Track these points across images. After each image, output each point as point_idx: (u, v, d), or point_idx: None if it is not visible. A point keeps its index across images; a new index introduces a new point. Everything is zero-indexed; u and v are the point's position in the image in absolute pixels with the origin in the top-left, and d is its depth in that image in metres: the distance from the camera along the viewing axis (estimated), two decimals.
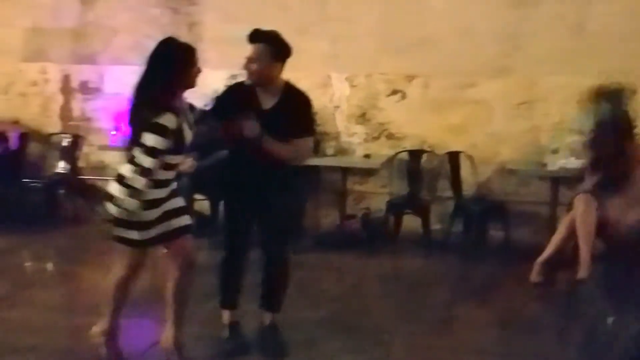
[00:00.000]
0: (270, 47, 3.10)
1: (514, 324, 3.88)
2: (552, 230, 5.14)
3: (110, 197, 2.89)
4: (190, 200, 5.28)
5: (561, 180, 5.25)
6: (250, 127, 2.99)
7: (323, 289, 4.42)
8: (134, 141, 2.84)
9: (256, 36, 3.11)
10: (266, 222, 3.29)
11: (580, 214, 4.29)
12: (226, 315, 3.40)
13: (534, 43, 5.41)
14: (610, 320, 3.79)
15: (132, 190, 2.83)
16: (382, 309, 4.09)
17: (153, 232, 2.93)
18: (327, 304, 4.06)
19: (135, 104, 2.87)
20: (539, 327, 3.90)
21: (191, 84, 2.95)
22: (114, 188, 2.90)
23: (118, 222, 2.91)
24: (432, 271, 5.07)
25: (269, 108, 3.09)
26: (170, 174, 2.95)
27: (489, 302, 4.28)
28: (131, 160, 2.87)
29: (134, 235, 2.92)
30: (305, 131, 3.19)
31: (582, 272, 4.17)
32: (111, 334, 3.12)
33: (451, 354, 3.39)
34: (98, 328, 3.13)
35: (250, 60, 3.07)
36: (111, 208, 2.89)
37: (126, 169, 2.89)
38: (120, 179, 2.89)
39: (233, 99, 3.21)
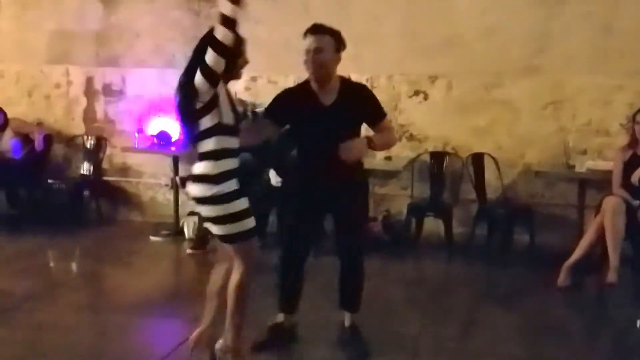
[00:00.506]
0: (334, 38, 3.17)
1: (541, 329, 3.79)
2: (579, 233, 5.04)
3: (204, 200, 2.74)
4: None
5: (588, 183, 5.13)
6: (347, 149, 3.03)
7: None
8: (195, 137, 2.75)
9: (319, 28, 3.18)
10: (342, 223, 3.31)
11: (609, 217, 4.19)
12: (281, 318, 3.44)
13: (561, 43, 5.29)
14: (639, 324, 3.69)
15: (221, 179, 2.71)
16: (407, 313, 4.03)
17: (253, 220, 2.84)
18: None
19: (182, 97, 2.79)
20: (566, 332, 3.81)
21: (237, 75, 2.92)
22: (201, 189, 2.73)
23: (223, 219, 2.74)
24: (455, 275, 4.99)
25: (330, 104, 3.12)
26: None
27: (514, 307, 4.18)
28: (205, 155, 2.74)
29: (249, 223, 2.79)
30: (382, 115, 3.31)
31: (612, 276, 4.08)
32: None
33: None
34: (224, 342, 2.97)
35: (316, 51, 3.09)
36: (210, 210, 2.75)
37: (204, 166, 2.74)
38: (204, 178, 2.73)
39: (292, 98, 3.20)
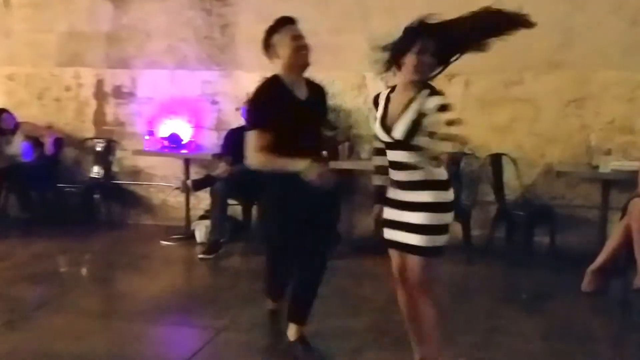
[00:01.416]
0: None
1: (566, 336, 3.63)
2: (602, 236, 4.87)
3: (427, 206, 2.61)
4: (224, 205, 5.19)
5: (612, 183, 4.94)
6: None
7: (364, 297, 4.27)
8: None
9: (292, 19, 3.10)
10: (314, 231, 3.15)
11: (636, 219, 4.02)
12: (270, 305, 3.48)
13: (586, 37, 5.09)
14: None
15: (449, 186, 2.68)
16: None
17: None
18: (369, 312, 3.93)
19: None
20: (592, 339, 3.64)
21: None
22: (432, 195, 2.62)
23: (432, 229, 2.62)
24: (475, 279, 4.84)
25: (305, 99, 3.05)
26: None
27: (538, 313, 4.03)
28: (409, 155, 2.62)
29: (444, 239, 2.66)
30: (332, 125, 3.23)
31: (639, 281, 3.90)
32: None
33: None
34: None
35: (303, 38, 3.05)
36: (424, 218, 2.60)
37: (437, 171, 2.65)
38: (437, 184, 2.65)
39: (269, 98, 3.03)
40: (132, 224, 6.32)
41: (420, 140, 2.55)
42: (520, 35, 5.24)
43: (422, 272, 2.65)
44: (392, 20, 5.45)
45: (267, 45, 3.05)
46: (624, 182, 4.88)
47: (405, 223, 2.63)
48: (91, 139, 6.36)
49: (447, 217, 2.65)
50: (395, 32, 5.69)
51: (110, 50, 6.24)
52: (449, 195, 2.66)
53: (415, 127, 2.54)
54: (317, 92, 3.15)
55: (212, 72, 6.05)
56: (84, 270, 5.11)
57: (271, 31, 3.04)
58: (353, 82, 5.70)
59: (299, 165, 2.80)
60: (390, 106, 2.70)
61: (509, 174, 5.32)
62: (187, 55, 6.09)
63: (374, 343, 3.43)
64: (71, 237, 5.66)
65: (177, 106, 6.11)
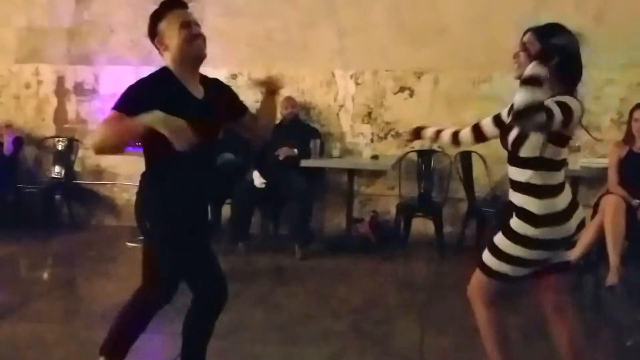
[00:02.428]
0: None
1: (543, 332, 3.64)
2: None
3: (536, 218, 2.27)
4: None
5: (581, 180, 5.01)
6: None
7: (341, 297, 4.18)
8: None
9: (182, 2, 2.49)
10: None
11: (609, 216, 4.07)
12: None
13: None
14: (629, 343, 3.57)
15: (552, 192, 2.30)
16: (406, 319, 3.80)
17: None
18: (349, 313, 3.83)
19: None
20: None
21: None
22: (532, 203, 2.28)
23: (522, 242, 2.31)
24: (450, 276, 4.81)
25: (202, 97, 2.46)
26: None
27: (515, 310, 4.02)
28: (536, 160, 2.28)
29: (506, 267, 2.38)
30: (245, 106, 2.69)
31: (612, 276, 3.96)
32: None
33: None
34: None
35: (196, 24, 2.46)
36: (526, 229, 2.28)
37: (533, 174, 2.28)
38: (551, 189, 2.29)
39: (156, 91, 2.36)
40: (95, 225, 6.14)
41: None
42: (488, 34, 5.34)
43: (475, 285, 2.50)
44: (361, 16, 5.50)
45: (153, 34, 2.49)
46: (592, 179, 4.96)
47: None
48: (52, 137, 6.15)
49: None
50: (363, 27, 5.68)
51: (71, 46, 6.03)
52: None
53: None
54: (215, 88, 2.55)
55: None
56: (46, 275, 4.92)
57: (156, 17, 2.46)
58: (322, 79, 5.65)
59: (146, 118, 2.17)
60: None
61: (478, 171, 5.34)
62: (152, 50, 5.88)
63: (356, 345, 3.34)
64: (32, 240, 5.45)
65: None
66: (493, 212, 5.15)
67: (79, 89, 6.10)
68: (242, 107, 2.69)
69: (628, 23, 5.06)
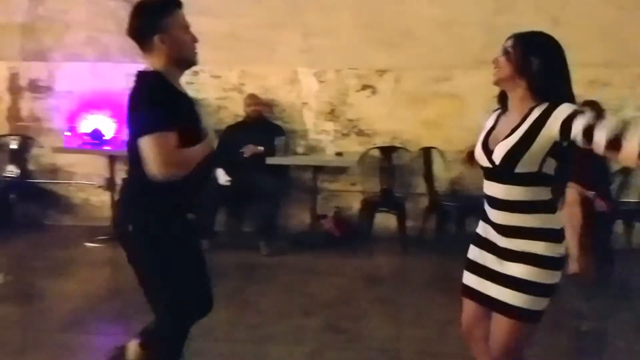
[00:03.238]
0: None
1: None
2: None
3: (540, 260, 2.05)
4: None
5: None
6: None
7: (312, 294, 4.21)
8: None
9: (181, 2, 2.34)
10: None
11: (567, 208, 4.24)
12: None
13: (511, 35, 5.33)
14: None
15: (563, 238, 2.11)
16: (379, 313, 3.88)
17: None
18: (321, 310, 3.87)
19: None
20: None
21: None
22: (545, 247, 2.05)
23: (539, 289, 2.07)
24: (416, 270, 4.95)
25: (192, 99, 2.43)
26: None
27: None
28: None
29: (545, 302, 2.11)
30: None
31: (572, 265, 4.13)
32: None
33: None
34: None
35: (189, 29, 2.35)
36: (533, 274, 2.05)
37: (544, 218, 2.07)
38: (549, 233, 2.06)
39: (170, 98, 2.26)
40: (51, 225, 5.97)
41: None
42: (449, 34, 5.47)
43: (511, 338, 2.11)
44: (326, 16, 5.54)
45: (148, 31, 2.27)
46: None
47: (505, 275, 2.09)
48: (5, 135, 5.94)
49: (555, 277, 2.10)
50: (328, 26, 5.72)
51: (25, 42, 5.83)
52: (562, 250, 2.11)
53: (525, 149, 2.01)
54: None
55: (137, 65, 5.76)
56: (1, 278, 4.76)
57: (161, 11, 2.27)
58: (286, 77, 5.66)
59: (202, 152, 2.25)
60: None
61: (438, 167, 5.47)
62: (109, 47, 5.81)
63: (333, 342, 3.37)
64: None
65: (99, 100, 5.82)
66: (453, 206, 5.30)
67: (33, 85, 5.92)
68: None
69: (583, 24, 5.28)
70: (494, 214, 2.11)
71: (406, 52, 5.43)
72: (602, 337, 3.63)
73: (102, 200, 5.94)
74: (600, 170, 4.51)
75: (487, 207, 2.15)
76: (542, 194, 2.06)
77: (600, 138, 1.76)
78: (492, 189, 2.12)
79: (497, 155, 2.07)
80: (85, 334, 3.53)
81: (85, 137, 5.65)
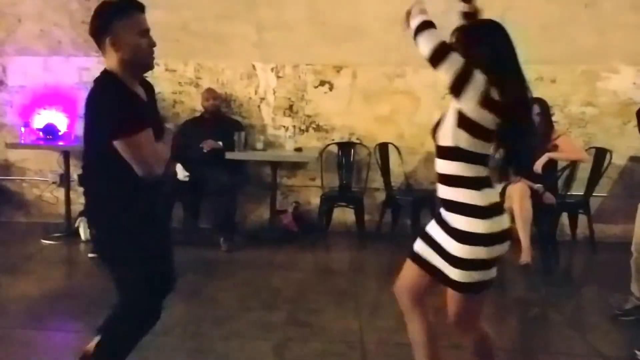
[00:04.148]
0: None
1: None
2: None
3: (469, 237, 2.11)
4: None
5: None
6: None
7: (275, 288, 4.27)
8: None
9: (143, 5, 2.36)
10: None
11: (517, 202, 4.44)
12: None
13: None
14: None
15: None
16: (340, 305, 3.95)
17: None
18: (285, 304, 3.93)
19: None
20: (485, 313, 3.91)
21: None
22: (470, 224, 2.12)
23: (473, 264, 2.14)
24: (372, 263, 5.07)
25: (146, 99, 2.43)
26: None
27: (441, 293, 4.25)
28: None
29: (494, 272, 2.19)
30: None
31: (525, 256, 4.33)
32: None
33: None
34: None
35: (149, 32, 2.35)
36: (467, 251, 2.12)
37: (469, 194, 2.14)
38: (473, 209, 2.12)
39: (130, 98, 2.30)
40: (4, 222, 5.84)
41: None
42: (401, 33, 5.55)
43: (458, 307, 2.24)
44: (279, 9, 5.57)
45: (103, 31, 2.26)
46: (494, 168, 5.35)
47: (442, 248, 2.20)
48: None
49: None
50: (282, 21, 5.76)
51: None
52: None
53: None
54: (149, 90, 2.51)
55: (90, 59, 5.70)
56: None
57: (112, 14, 2.28)
58: (242, 71, 5.68)
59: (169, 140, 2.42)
60: None
61: (393, 162, 5.61)
62: (61, 40, 5.71)
63: (298, 335, 3.43)
64: None
65: (53, 95, 5.72)
66: (409, 201, 5.45)
67: None
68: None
69: (527, 23, 5.47)
70: (438, 188, 2.25)
71: (361, 50, 5.53)
72: (548, 323, 3.83)
73: (55, 197, 5.87)
74: (549, 165, 4.72)
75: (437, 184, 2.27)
76: (466, 170, 2.13)
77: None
78: (437, 164, 2.24)
79: (439, 132, 2.22)
80: (45, 330, 3.52)
81: (38, 133, 5.55)
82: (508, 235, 2.18)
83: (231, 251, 5.03)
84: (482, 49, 2.18)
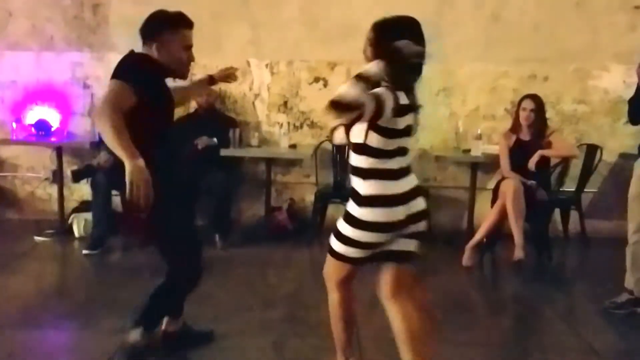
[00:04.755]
0: None
1: (466, 308, 3.98)
2: (471, 213, 5.37)
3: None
4: (107, 197, 4.96)
5: (478, 166, 5.41)
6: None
7: (271, 285, 4.28)
8: None
9: (190, 22, 2.76)
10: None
11: (511, 198, 4.48)
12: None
13: (453, 31, 5.50)
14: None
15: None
16: None
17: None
18: (282, 301, 3.93)
19: None
20: (470, 307, 4.06)
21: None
22: (359, 184, 2.40)
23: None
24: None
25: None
26: None
27: (433, 289, 4.30)
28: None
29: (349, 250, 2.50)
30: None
31: (518, 252, 4.39)
32: None
33: None
34: None
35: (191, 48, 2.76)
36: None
37: (360, 158, 2.39)
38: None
39: (152, 66, 2.67)
40: None
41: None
42: None
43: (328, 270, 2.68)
44: (274, 6, 5.57)
45: (152, 35, 2.64)
46: (488, 165, 5.40)
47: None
48: None
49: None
50: (276, 18, 5.76)
51: None
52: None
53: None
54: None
55: (82, 54, 5.69)
56: None
57: (166, 24, 2.66)
58: (237, 67, 5.60)
59: (129, 160, 2.35)
60: None
61: None
62: (53, 36, 5.67)
63: (294, 333, 3.44)
64: None
65: (44, 91, 5.68)
66: None
67: None
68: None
69: (520, 21, 5.53)
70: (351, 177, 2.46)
71: (355, 47, 5.45)
72: (543, 319, 3.87)
73: (48, 193, 5.84)
74: (541, 162, 4.77)
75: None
76: (370, 163, 2.35)
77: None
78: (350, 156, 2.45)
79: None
80: (39, 329, 3.50)
81: (30, 129, 5.52)
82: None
83: (226, 249, 5.03)
84: (389, 43, 2.35)
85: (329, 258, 2.59)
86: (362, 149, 2.36)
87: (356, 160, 2.39)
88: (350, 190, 2.45)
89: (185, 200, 2.82)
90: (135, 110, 2.45)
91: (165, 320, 3.07)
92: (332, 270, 2.62)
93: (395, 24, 2.49)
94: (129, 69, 2.54)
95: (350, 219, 2.39)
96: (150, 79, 2.57)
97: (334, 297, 2.68)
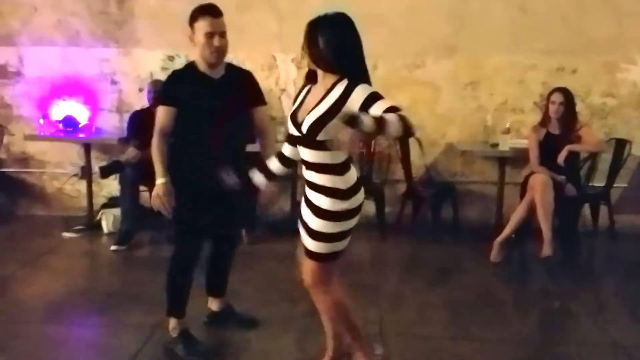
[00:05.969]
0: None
1: (497, 306, 3.95)
2: (500, 208, 5.31)
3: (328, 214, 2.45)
4: (135, 193, 4.99)
5: (506, 160, 5.33)
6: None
7: (295, 281, 4.16)
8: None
9: (218, 10, 2.98)
10: (229, 207, 3.26)
11: (539, 193, 4.42)
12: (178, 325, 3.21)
13: (479, 23, 5.42)
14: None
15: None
16: (361, 297, 3.84)
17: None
18: (305, 296, 3.78)
19: None
20: (502, 303, 4.01)
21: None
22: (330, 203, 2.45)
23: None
24: (393, 255, 5.07)
25: (219, 77, 3.05)
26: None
27: (457, 285, 4.27)
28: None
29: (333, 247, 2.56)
30: (263, 100, 3.28)
31: (547, 249, 4.33)
32: None
33: (450, 342, 3.36)
34: None
35: (222, 35, 2.97)
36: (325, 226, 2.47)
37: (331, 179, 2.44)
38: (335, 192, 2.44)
39: (183, 79, 3.06)
40: (23, 216, 5.86)
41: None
42: (419, 24, 5.54)
43: (313, 275, 2.66)
44: (298, 3, 5.52)
45: (190, 27, 3.00)
46: (516, 159, 5.32)
47: (308, 225, 2.55)
48: None
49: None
50: (301, 11, 5.71)
51: None
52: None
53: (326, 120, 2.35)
54: (237, 74, 3.15)
55: (109, 50, 5.71)
56: None
57: (193, 17, 2.98)
58: (263, 62, 5.64)
59: (158, 178, 2.99)
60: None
61: (414, 153, 5.57)
62: (79, 31, 5.69)
63: (317, 328, 3.31)
64: None
65: (72, 86, 5.72)
66: (430, 193, 5.43)
67: (2, 71, 5.75)
68: (259, 98, 3.23)
69: (549, 13, 5.43)
70: (306, 174, 2.50)
71: (381, 41, 5.44)
72: (570, 315, 3.82)
73: (76, 190, 5.88)
74: (570, 157, 4.69)
75: (303, 168, 2.53)
76: (335, 158, 2.41)
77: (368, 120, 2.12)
78: (303, 153, 2.47)
79: (305, 125, 2.38)
80: (65, 325, 3.54)
81: (58, 125, 5.55)
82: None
83: (253, 243, 5.03)
84: (320, 39, 2.42)
85: (313, 265, 2.59)
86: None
87: (332, 157, 2.40)
88: (319, 190, 2.45)
89: (202, 200, 3.06)
90: (180, 116, 2.98)
91: (209, 299, 3.45)
92: (321, 274, 2.63)
93: (316, 23, 2.52)
94: (164, 89, 3.14)
95: (334, 215, 2.44)
96: (182, 90, 2.99)
97: (332, 297, 2.70)
